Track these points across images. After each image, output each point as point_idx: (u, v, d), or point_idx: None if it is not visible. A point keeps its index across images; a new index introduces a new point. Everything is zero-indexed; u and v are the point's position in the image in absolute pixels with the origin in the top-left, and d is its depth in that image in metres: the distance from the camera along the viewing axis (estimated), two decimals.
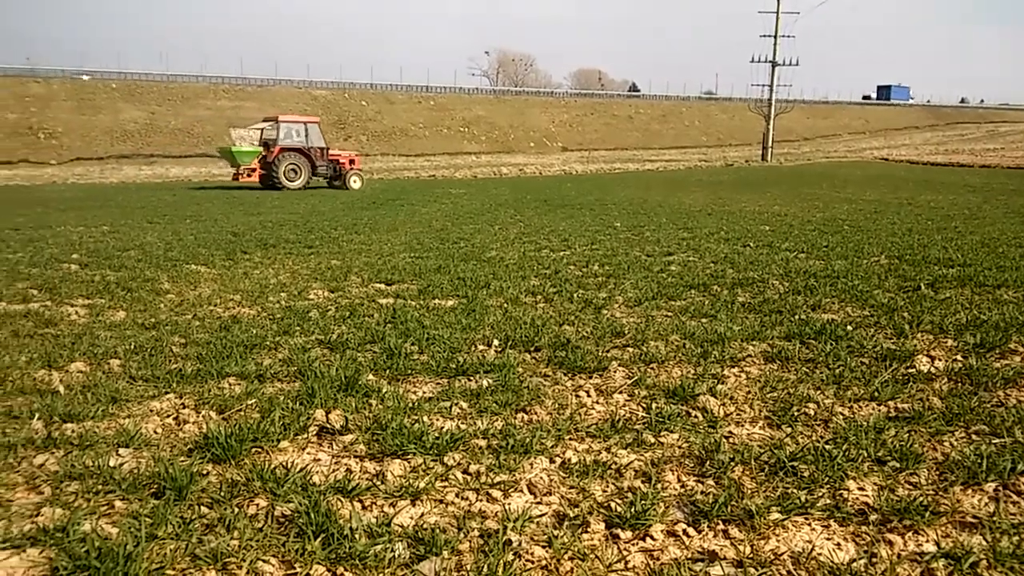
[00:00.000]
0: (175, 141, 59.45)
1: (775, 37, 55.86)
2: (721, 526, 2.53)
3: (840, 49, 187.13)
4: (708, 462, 3.02)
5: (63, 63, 65.48)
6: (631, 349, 4.78)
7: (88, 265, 8.72)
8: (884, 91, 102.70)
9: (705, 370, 4.28)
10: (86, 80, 61.20)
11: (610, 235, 11.40)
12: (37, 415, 3.58)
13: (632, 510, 2.59)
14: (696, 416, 3.58)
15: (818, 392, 3.89)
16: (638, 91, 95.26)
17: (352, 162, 28.77)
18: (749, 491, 2.77)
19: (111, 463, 3.02)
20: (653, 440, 3.29)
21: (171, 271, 8.22)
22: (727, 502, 2.64)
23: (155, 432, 3.44)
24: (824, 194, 20.40)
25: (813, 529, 2.52)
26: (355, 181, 27.74)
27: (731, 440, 3.29)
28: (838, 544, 2.43)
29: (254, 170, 26.97)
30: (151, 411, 3.73)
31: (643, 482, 2.87)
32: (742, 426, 3.47)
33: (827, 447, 3.12)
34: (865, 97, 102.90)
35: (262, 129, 27.99)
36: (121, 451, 3.18)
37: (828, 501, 2.68)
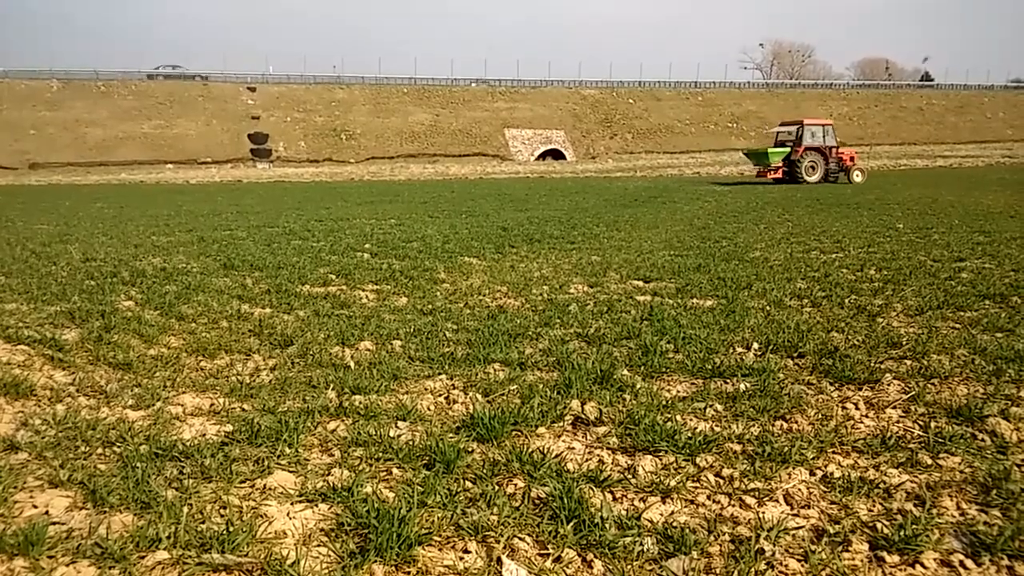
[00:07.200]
0: (455, 141, 63.89)
1: None
2: (1006, 561, 2.27)
3: None
4: (995, 490, 2.71)
5: (364, 71, 72.93)
6: (909, 361, 4.39)
7: (377, 254, 9.68)
8: None
9: (997, 390, 3.82)
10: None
11: (891, 237, 10.51)
12: (331, 386, 4.05)
13: (901, 533, 2.40)
14: (983, 439, 3.22)
15: None
16: (931, 80, 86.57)
17: (852, 159, 30.61)
18: None
19: (390, 433, 3.34)
20: (930, 461, 3.01)
21: (447, 262, 8.86)
22: (1015, 536, 2.36)
23: (428, 409, 3.75)
24: None
25: None
26: (857, 175, 29.95)
27: None
28: None
29: (778, 168, 29.74)
30: (425, 389, 4.07)
31: (915, 505, 2.64)
32: None
33: None
34: None
35: (778, 132, 31.90)
36: (399, 423, 3.51)
37: None
